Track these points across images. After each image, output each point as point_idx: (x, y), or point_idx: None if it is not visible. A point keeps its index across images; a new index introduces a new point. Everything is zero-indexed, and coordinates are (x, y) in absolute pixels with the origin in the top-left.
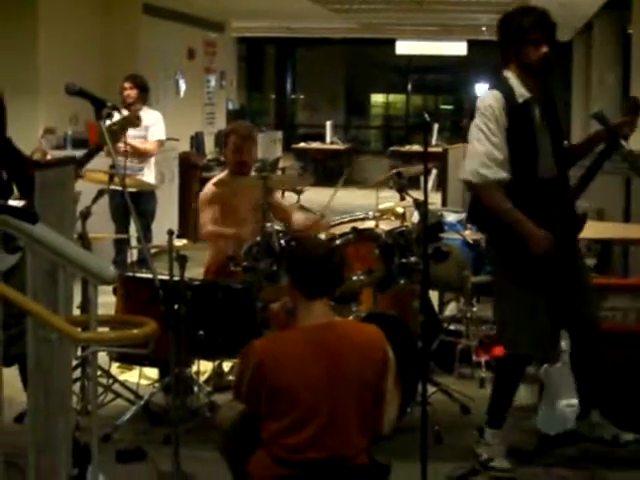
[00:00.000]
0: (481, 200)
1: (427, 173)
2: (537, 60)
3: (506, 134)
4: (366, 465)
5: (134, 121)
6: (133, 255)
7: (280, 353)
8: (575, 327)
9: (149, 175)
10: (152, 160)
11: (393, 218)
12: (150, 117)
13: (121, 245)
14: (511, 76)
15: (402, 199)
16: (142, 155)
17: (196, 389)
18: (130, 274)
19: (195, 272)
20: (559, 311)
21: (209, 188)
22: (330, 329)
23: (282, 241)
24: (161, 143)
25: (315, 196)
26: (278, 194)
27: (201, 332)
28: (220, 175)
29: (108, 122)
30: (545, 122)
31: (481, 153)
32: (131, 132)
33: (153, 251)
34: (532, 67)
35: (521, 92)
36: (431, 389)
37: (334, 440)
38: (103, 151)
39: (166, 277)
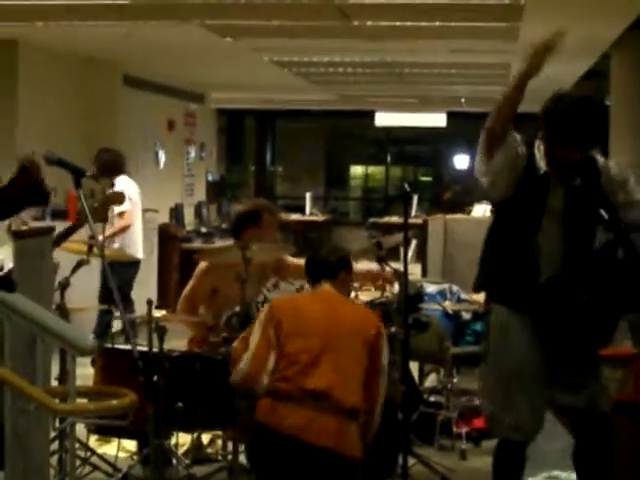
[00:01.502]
0: (492, 123)
1: (407, 243)
2: (561, 158)
3: (520, 171)
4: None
5: (117, 199)
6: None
7: (290, 300)
8: (573, 418)
9: (128, 245)
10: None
11: (373, 289)
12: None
13: (106, 316)
14: (538, 146)
15: (382, 270)
16: (123, 233)
17: (175, 461)
18: (109, 345)
19: (175, 343)
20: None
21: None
22: (335, 296)
23: None
24: (123, 213)
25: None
26: (289, 257)
27: (180, 404)
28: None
29: (90, 200)
30: (564, 210)
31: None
32: None
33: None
34: (555, 159)
35: (541, 165)
36: (412, 461)
37: (330, 376)
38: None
39: (145, 348)
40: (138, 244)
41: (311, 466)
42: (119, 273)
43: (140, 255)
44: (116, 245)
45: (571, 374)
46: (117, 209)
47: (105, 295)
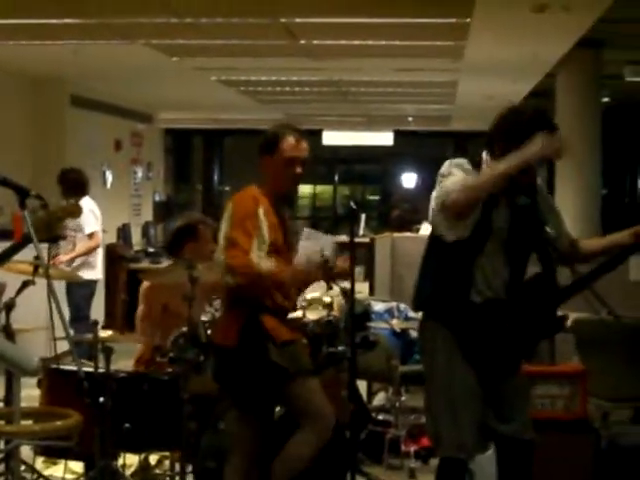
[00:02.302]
0: (463, 202)
1: (354, 262)
2: (518, 176)
3: None
4: None
5: (74, 210)
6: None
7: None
8: (499, 443)
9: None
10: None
11: (320, 307)
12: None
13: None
14: (487, 161)
15: (329, 288)
16: (89, 253)
17: None
18: (54, 366)
19: (122, 364)
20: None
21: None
22: None
23: (208, 331)
24: (92, 234)
25: None
26: None
27: (127, 425)
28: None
29: (41, 213)
30: (509, 230)
31: (445, 185)
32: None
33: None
34: (511, 178)
35: None
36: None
37: None
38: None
39: (91, 369)
40: (99, 264)
41: None
42: (77, 292)
43: (100, 275)
44: (75, 265)
45: (503, 402)
46: (87, 229)
47: (73, 315)
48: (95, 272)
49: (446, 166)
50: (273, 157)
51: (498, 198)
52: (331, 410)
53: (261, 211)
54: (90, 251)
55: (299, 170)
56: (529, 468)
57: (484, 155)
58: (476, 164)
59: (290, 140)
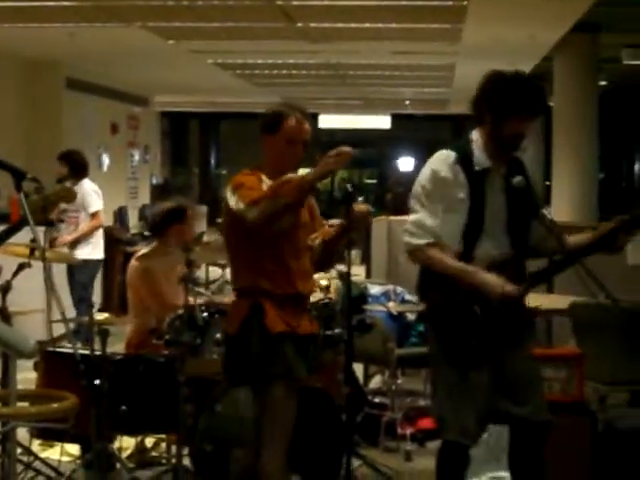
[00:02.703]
0: (425, 266)
1: (350, 245)
2: (510, 136)
3: (464, 197)
4: None
5: (67, 195)
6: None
7: None
8: (513, 425)
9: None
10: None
11: (317, 290)
12: (82, 190)
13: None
14: (476, 140)
15: (326, 271)
16: (92, 233)
17: (118, 465)
18: (50, 349)
19: (118, 347)
20: (496, 404)
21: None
22: None
23: (205, 314)
24: (96, 213)
25: None
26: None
27: (123, 407)
28: (145, 250)
29: (35, 197)
30: (506, 196)
31: (409, 221)
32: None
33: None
34: (503, 141)
35: (481, 160)
36: (356, 462)
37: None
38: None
39: (87, 351)
40: (102, 243)
41: None
42: (84, 272)
43: (102, 255)
44: (89, 244)
45: (516, 385)
46: (91, 209)
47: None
48: (100, 251)
49: (429, 165)
50: (275, 137)
51: (487, 179)
52: (288, 435)
53: (264, 177)
54: (93, 230)
55: (300, 151)
56: (542, 450)
57: (473, 136)
58: (465, 150)
59: (292, 121)
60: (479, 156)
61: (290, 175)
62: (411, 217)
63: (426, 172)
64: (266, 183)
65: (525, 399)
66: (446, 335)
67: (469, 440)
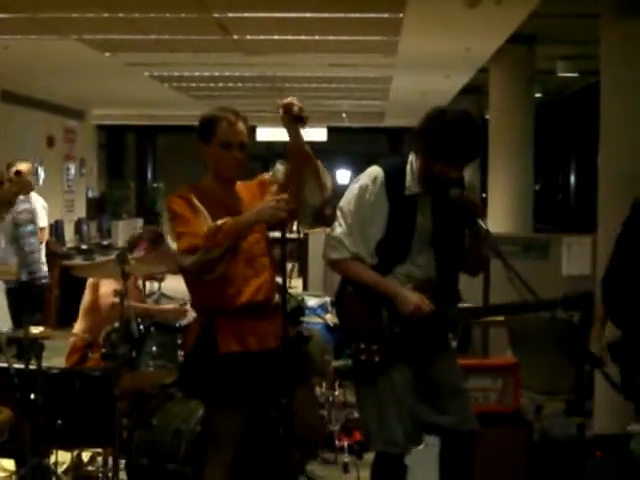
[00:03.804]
0: (343, 277)
1: (285, 258)
2: (439, 175)
3: (384, 218)
4: None
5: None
6: None
7: None
8: (441, 435)
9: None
10: None
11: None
12: (36, 202)
13: None
14: (412, 162)
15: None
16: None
17: None
18: None
19: (55, 361)
20: (422, 414)
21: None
22: None
23: (141, 327)
24: (43, 229)
25: (178, 284)
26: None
27: (59, 421)
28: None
29: None
30: (437, 217)
31: (330, 236)
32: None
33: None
34: (432, 177)
35: (412, 185)
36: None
37: None
38: None
39: (22, 365)
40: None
41: None
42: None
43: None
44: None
45: (441, 396)
46: (40, 224)
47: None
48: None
49: (358, 181)
50: (210, 144)
51: (417, 202)
52: (230, 454)
53: (195, 200)
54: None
55: (238, 154)
56: (471, 459)
57: (411, 157)
58: (398, 171)
59: (224, 124)
60: (411, 181)
61: (224, 219)
62: (332, 232)
63: (354, 189)
64: (199, 209)
65: (451, 409)
66: (353, 341)
67: (398, 449)
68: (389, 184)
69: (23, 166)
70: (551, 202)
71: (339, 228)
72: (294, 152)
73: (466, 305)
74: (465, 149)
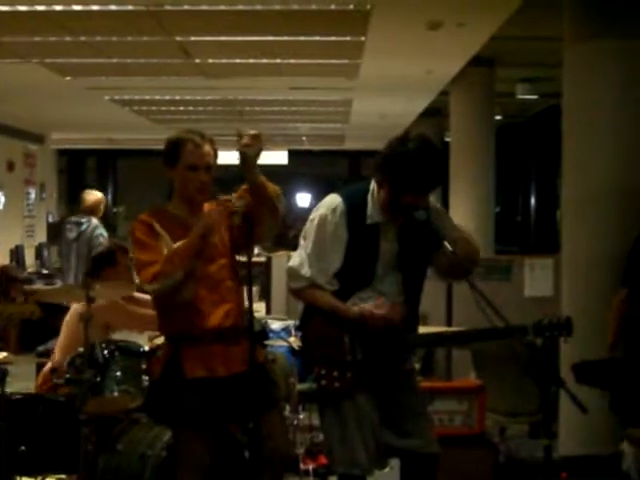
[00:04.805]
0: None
1: (251, 281)
2: (406, 206)
3: (342, 247)
4: None
5: None
6: None
7: None
8: (402, 458)
9: None
10: None
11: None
12: None
13: None
14: (373, 191)
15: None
16: None
17: None
18: None
19: (18, 386)
20: (384, 437)
21: None
22: None
23: (105, 351)
24: None
25: None
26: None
27: (22, 447)
28: None
29: None
30: (401, 243)
31: (291, 265)
32: None
33: None
34: (398, 208)
35: (374, 215)
36: None
37: None
38: None
39: None
40: None
41: None
42: None
43: None
44: None
45: (402, 419)
46: None
47: None
48: None
49: (318, 209)
50: (176, 167)
51: (379, 229)
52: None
53: (157, 226)
54: None
55: (204, 177)
56: None
57: (372, 185)
58: (359, 200)
59: (190, 146)
60: (372, 210)
61: (180, 242)
62: (290, 262)
63: (314, 218)
64: (160, 233)
65: (413, 432)
66: (314, 367)
67: (361, 470)
68: (349, 214)
69: None
70: (511, 224)
71: (297, 258)
72: (250, 189)
73: (431, 330)
74: (430, 180)
